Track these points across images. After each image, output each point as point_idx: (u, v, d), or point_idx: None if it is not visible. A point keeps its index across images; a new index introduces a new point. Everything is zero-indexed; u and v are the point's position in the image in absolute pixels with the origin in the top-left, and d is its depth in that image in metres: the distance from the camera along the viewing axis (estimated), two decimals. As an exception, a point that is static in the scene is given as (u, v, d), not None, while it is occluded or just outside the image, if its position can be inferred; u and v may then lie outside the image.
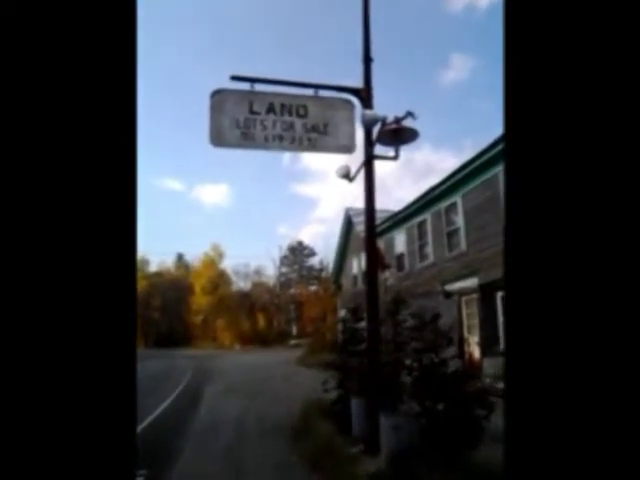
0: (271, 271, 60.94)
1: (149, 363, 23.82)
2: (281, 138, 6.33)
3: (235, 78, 6.28)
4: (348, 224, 24.29)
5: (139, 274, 55.88)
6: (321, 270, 54.28)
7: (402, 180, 79.19)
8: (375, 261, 6.71)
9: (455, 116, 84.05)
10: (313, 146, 6.46)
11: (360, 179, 6.69)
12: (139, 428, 7.93)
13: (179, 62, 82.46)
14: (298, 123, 6.40)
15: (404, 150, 6.37)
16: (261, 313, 56.25)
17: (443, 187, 14.35)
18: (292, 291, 57.49)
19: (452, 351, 6.28)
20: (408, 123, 6.02)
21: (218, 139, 6.20)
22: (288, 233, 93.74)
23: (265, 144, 6.32)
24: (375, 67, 6.72)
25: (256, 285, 59.62)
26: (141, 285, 54.66)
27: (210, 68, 76.58)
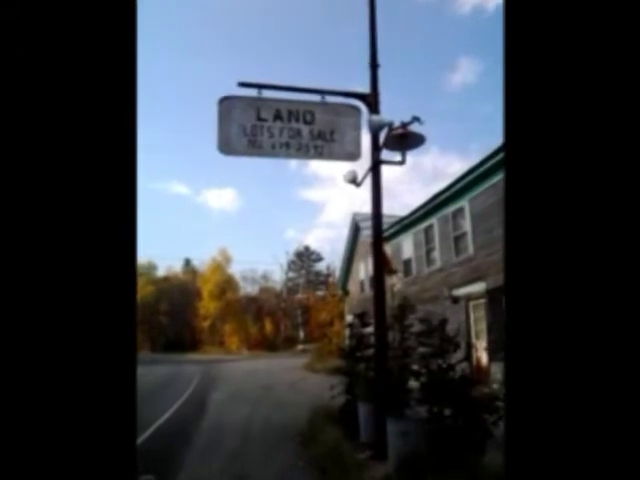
0: (278, 276, 61.01)
1: (156, 368, 23.85)
2: (288, 146, 6.36)
3: (243, 84, 6.34)
4: (355, 229, 24.28)
5: (146, 279, 56.09)
6: (328, 275, 54.25)
7: (410, 184, 79.06)
8: (382, 266, 6.71)
9: (462, 120, 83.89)
10: (319, 154, 6.49)
11: (367, 183, 6.71)
12: (145, 434, 7.95)
13: (186, 65, 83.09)
14: (305, 130, 6.44)
15: (411, 154, 6.42)
16: (268, 318, 56.26)
17: (450, 191, 14.32)
18: (299, 296, 57.48)
19: (459, 356, 6.25)
20: (415, 128, 6.03)
21: (226, 147, 6.26)
22: (295, 238, 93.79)
23: (272, 152, 6.36)
24: (382, 71, 6.75)
25: (263, 290, 59.68)
26: (148, 290, 54.84)
27: (217, 71, 77.11)
